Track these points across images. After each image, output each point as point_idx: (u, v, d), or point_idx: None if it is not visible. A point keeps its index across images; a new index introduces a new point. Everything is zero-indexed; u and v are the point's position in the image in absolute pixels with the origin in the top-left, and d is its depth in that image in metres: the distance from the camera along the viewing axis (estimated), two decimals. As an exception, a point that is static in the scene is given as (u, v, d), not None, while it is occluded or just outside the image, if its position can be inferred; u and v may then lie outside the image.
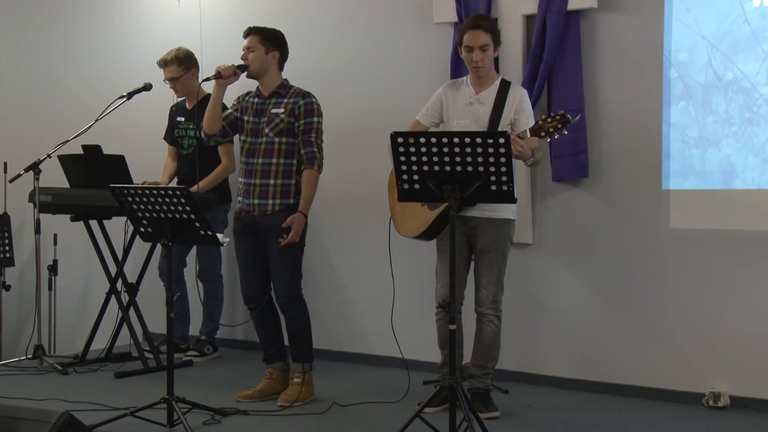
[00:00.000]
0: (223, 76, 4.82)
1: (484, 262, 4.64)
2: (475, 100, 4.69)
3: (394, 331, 4.85)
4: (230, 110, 5.02)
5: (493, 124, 4.61)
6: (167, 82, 5.98)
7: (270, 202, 4.85)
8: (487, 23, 4.65)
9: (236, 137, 5.13)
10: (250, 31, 4.94)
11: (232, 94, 5.01)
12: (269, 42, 4.91)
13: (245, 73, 4.89)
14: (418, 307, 5.34)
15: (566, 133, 4.30)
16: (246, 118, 4.95)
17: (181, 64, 5.92)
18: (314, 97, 4.91)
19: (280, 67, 4.97)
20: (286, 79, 4.98)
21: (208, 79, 4.85)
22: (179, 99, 6.19)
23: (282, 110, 4.86)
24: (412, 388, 4.87)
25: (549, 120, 4.27)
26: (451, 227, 4.07)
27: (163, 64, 5.94)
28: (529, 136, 4.33)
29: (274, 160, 4.85)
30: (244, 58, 4.89)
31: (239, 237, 4.98)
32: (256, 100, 4.97)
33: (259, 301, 4.98)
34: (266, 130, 4.86)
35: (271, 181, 4.86)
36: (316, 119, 4.87)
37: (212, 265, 6.11)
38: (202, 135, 5.01)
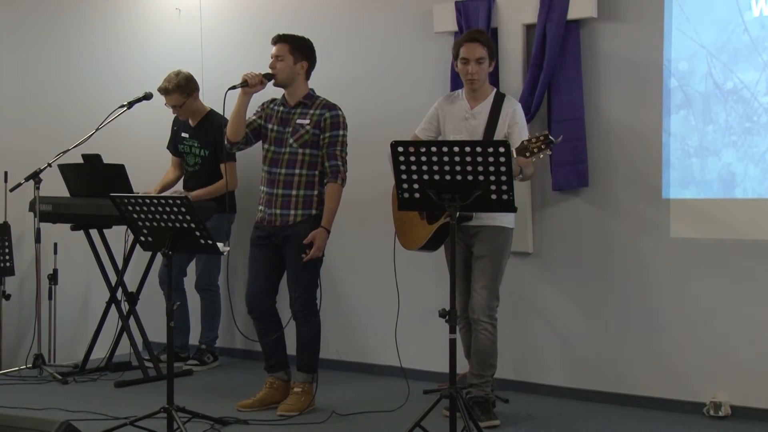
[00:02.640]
0: (250, 85, 4.80)
1: (478, 267, 4.67)
2: (470, 115, 4.75)
3: (396, 341, 4.85)
4: (254, 117, 4.99)
5: (488, 137, 4.66)
6: (168, 107, 5.95)
7: (292, 212, 4.85)
8: (483, 37, 4.72)
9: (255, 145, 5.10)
10: (280, 39, 4.90)
11: (256, 100, 5.01)
12: (298, 52, 4.89)
13: (272, 81, 4.88)
14: (418, 317, 5.33)
15: (550, 152, 4.41)
16: (270, 126, 4.94)
17: (182, 93, 5.87)
18: (340, 109, 4.91)
19: (308, 77, 4.95)
20: (312, 89, 4.98)
21: (234, 87, 4.81)
22: None
23: (307, 121, 4.86)
24: (412, 397, 4.87)
25: (534, 140, 4.35)
26: (451, 237, 4.08)
27: (165, 92, 5.88)
28: (515, 156, 4.37)
29: (297, 171, 4.85)
30: (272, 66, 4.88)
31: (256, 246, 4.98)
32: (281, 108, 4.95)
33: (262, 311, 4.98)
34: (290, 140, 4.86)
35: (294, 192, 4.85)
36: (341, 132, 4.87)
37: (209, 276, 6.10)
38: (225, 142, 4.99)
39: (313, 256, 4.80)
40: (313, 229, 4.81)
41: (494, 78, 5.09)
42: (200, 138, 5.98)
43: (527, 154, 4.35)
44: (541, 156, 4.37)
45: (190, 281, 6.18)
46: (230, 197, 5.87)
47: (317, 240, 4.79)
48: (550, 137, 4.31)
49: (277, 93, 5.05)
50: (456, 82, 5.30)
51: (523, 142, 4.39)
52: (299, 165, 4.86)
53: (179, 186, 6.20)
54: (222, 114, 5.11)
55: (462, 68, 4.70)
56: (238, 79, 4.83)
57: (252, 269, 5.01)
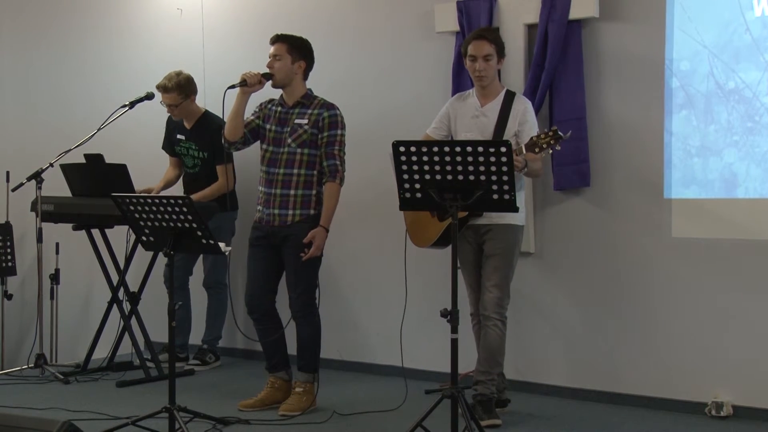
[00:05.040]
0: (248, 84, 4.81)
1: (490, 265, 4.68)
2: (480, 113, 4.75)
3: (401, 340, 4.85)
4: (252, 117, 5.00)
5: (498, 136, 4.67)
6: (164, 105, 5.95)
7: (290, 212, 4.86)
8: (491, 34, 4.74)
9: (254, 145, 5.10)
10: (278, 39, 4.91)
11: (254, 100, 5.03)
12: (296, 51, 4.90)
13: (270, 81, 4.89)
14: (421, 317, 5.33)
15: (559, 148, 4.40)
16: (268, 126, 4.95)
17: (181, 92, 5.86)
18: (338, 109, 4.92)
19: (306, 77, 4.96)
20: (310, 89, 4.98)
21: (233, 87, 4.82)
22: None
23: (305, 121, 4.86)
24: (413, 397, 4.87)
25: (543, 136, 4.38)
26: (453, 236, 4.08)
27: (163, 90, 5.87)
28: (524, 152, 4.39)
29: (295, 171, 4.86)
30: (270, 66, 4.89)
31: (254, 246, 4.98)
32: (279, 108, 4.96)
33: (262, 311, 4.98)
34: (289, 140, 4.86)
35: (292, 192, 4.86)
36: (339, 132, 4.88)
37: (217, 274, 6.10)
38: (223, 142, 5.00)
39: (312, 255, 4.80)
40: (311, 229, 4.82)
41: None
42: (198, 140, 5.98)
43: (536, 150, 4.38)
44: (550, 151, 4.39)
45: (195, 280, 6.17)
46: (231, 195, 5.88)
47: (316, 239, 4.80)
48: (559, 132, 4.34)
49: (276, 93, 5.05)
50: (458, 83, 5.31)
51: (532, 138, 4.42)
52: (297, 165, 4.86)
53: (179, 186, 6.20)
54: (219, 114, 5.10)
55: (470, 65, 4.71)
56: (240, 79, 4.83)
57: (251, 270, 5.01)
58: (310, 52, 4.96)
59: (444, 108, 4.91)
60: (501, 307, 4.67)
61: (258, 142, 5.03)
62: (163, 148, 6.24)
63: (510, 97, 4.74)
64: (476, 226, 4.67)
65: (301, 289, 4.87)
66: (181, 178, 6.24)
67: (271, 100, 5.04)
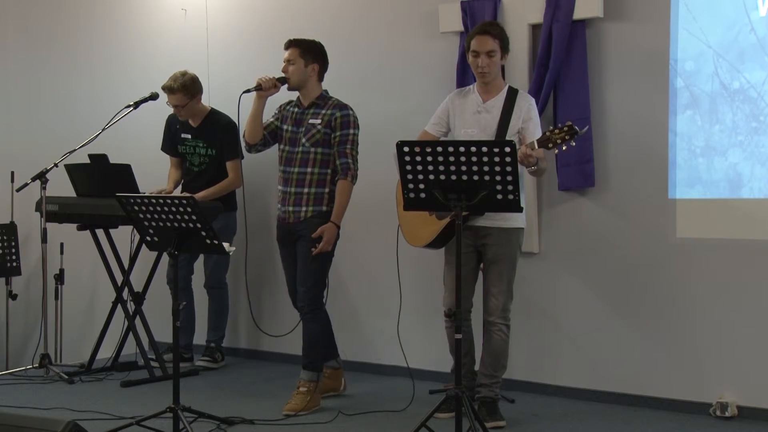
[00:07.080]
0: (264, 89, 4.92)
1: (495, 271, 4.65)
2: (483, 109, 4.70)
3: (400, 339, 4.85)
4: (271, 119, 5.10)
5: (501, 132, 4.62)
6: (170, 105, 5.95)
7: (303, 208, 4.93)
8: (495, 29, 4.68)
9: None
10: (291, 44, 5.02)
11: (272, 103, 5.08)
12: (309, 54, 4.99)
13: (286, 85, 4.97)
14: (424, 316, 5.33)
15: (574, 144, 4.31)
16: (285, 127, 5.04)
17: (187, 93, 5.87)
18: (351, 109, 5.00)
19: (320, 78, 5.05)
20: (325, 90, 5.05)
21: (248, 91, 4.90)
22: None
23: (319, 121, 4.95)
24: (417, 397, 4.87)
25: (557, 131, 4.27)
26: (457, 236, 4.07)
27: (169, 91, 5.88)
28: (536, 147, 4.33)
29: (309, 170, 4.93)
30: (284, 70, 4.98)
31: (280, 244, 5.12)
32: (295, 109, 5.05)
33: None
34: (303, 140, 4.95)
35: (306, 190, 4.93)
36: (352, 131, 4.95)
37: (218, 274, 6.11)
38: (244, 145, 5.10)
39: (322, 249, 4.85)
40: (322, 225, 4.86)
41: (501, 76, 5.07)
42: (206, 137, 5.98)
43: (550, 146, 4.29)
44: (564, 148, 4.29)
45: (196, 280, 6.17)
46: (231, 196, 5.89)
47: (326, 234, 4.86)
48: (575, 127, 4.23)
49: (294, 95, 5.10)
50: (462, 82, 5.31)
51: (545, 133, 4.33)
52: (311, 163, 4.93)
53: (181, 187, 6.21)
54: (225, 113, 5.12)
55: (473, 61, 4.67)
56: (245, 79, 4.89)
57: (284, 268, 5.14)
58: (323, 54, 5.05)
59: (443, 104, 4.87)
60: (506, 311, 4.66)
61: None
62: (163, 149, 6.22)
63: (513, 93, 4.70)
64: (476, 228, 4.64)
65: (309, 284, 4.93)
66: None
67: (289, 102, 5.14)
